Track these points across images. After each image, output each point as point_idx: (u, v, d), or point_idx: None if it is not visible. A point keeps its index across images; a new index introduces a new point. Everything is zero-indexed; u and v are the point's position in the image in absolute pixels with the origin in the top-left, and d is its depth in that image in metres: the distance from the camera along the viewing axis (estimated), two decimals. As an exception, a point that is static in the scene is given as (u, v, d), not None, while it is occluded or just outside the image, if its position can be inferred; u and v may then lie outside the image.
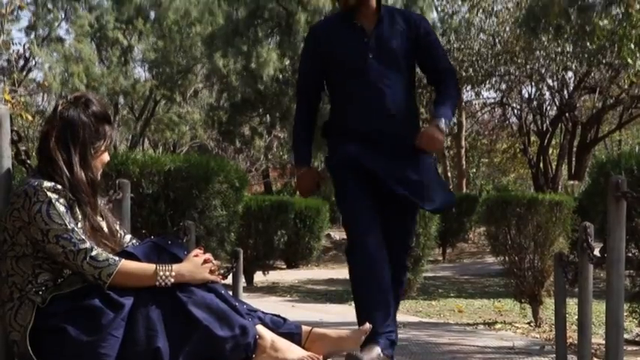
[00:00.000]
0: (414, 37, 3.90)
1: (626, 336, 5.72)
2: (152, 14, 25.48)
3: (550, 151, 23.90)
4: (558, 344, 4.68)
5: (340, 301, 9.90)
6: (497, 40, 20.01)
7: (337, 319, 7.52)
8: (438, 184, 3.94)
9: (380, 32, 3.86)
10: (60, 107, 2.88)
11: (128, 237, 3.11)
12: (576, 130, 22.83)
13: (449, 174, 23.80)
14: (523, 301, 7.90)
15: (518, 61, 19.56)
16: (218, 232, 6.10)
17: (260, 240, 12.38)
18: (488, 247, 9.20)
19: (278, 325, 3.00)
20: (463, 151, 23.61)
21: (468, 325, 7.83)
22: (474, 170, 32.46)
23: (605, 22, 10.48)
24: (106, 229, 2.93)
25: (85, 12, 24.69)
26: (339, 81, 3.92)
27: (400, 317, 4.54)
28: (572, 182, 20.12)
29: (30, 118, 8.39)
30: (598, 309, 5.42)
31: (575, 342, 4.50)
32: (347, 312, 7.91)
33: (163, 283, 2.74)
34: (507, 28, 19.58)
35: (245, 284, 11.38)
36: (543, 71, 20.18)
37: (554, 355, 4.85)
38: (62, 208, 2.75)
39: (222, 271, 3.42)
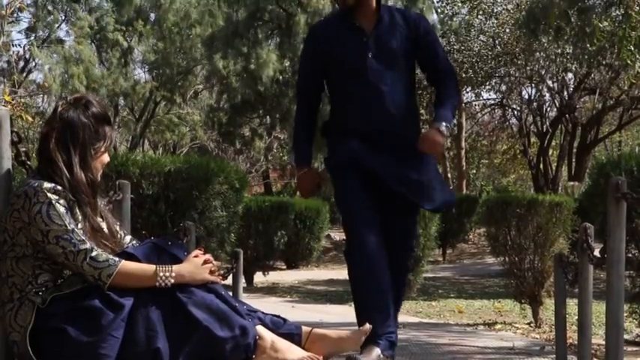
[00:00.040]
0: (413, 37, 3.90)
1: (626, 337, 5.72)
2: (152, 16, 25.48)
3: (550, 152, 23.91)
4: (558, 345, 4.68)
5: (340, 302, 9.89)
6: (497, 42, 20.00)
7: (337, 319, 7.51)
8: (438, 184, 3.94)
9: (379, 32, 3.85)
10: (60, 108, 2.89)
11: (128, 238, 3.11)
12: (576, 131, 22.83)
13: (449, 175, 23.80)
14: (523, 301, 7.90)
15: (518, 62, 19.57)
16: (218, 233, 6.10)
17: (260, 241, 12.38)
18: (489, 248, 9.20)
19: (278, 326, 3.00)
20: (463, 152, 23.62)
21: (468, 325, 7.83)
22: (474, 171, 32.48)
23: (605, 23, 10.48)
24: (106, 230, 2.94)
25: (85, 14, 24.68)
26: (339, 81, 3.92)
27: (400, 318, 4.54)
28: (572, 183, 20.12)
29: (30, 119, 8.40)
30: (598, 310, 5.42)
31: (575, 342, 4.50)
32: (347, 313, 7.90)
33: (163, 284, 2.75)
34: (507, 30, 19.57)
35: (245, 285, 11.37)
36: (543, 72, 20.19)
37: (554, 356, 4.84)
38: (62, 209, 2.75)
39: (222, 272, 3.43)
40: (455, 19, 21.31)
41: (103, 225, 2.94)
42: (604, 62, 17.82)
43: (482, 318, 8.44)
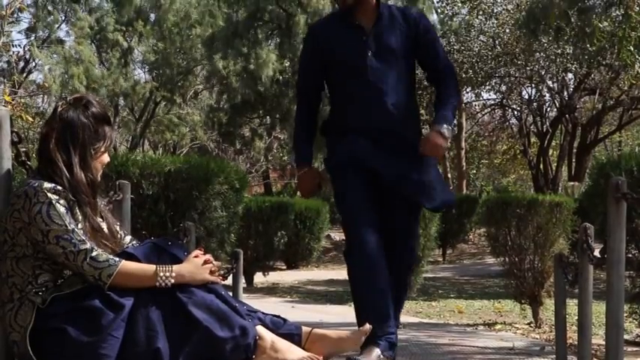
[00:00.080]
0: (413, 35, 3.88)
1: (626, 337, 5.72)
2: (152, 16, 25.49)
3: (550, 153, 23.91)
4: (558, 345, 4.68)
5: (340, 302, 9.89)
6: (497, 42, 20.01)
7: (337, 319, 7.51)
8: (438, 183, 3.93)
9: (379, 30, 3.85)
10: (60, 109, 2.89)
11: (128, 238, 3.11)
12: (576, 131, 22.83)
13: (449, 175, 23.80)
14: (523, 301, 7.90)
15: (518, 62, 19.57)
16: (218, 233, 6.10)
17: (260, 241, 12.38)
18: (489, 248, 9.20)
19: (278, 326, 3.00)
20: (463, 152, 23.62)
21: (468, 325, 7.82)
22: (474, 171, 32.50)
23: (605, 23, 10.47)
24: (106, 230, 2.94)
25: (85, 14, 24.69)
26: (339, 80, 3.92)
27: (400, 318, 4.53)
28: (572, 183, 20.11)
29: (30, 119, 8.40)
30: (598, 310, 5.42)
31: (576, 343, 4.50)
32: (347, 313, 7.89)
33: (163, 284, 2.75)
34: (507, 30, 19.58)
35: (245, 285, 11.37)
36: (543, 73, 20.18)
37: (554, 356, 4.84)
38: (62, 209, 2.75)
39: (222, 272, 3.42)
40: (455, 19, 21.32)
41: (103, 225, 2.94)
42: (604, 62, 17.83)
43: (482, 318, 8.44)
